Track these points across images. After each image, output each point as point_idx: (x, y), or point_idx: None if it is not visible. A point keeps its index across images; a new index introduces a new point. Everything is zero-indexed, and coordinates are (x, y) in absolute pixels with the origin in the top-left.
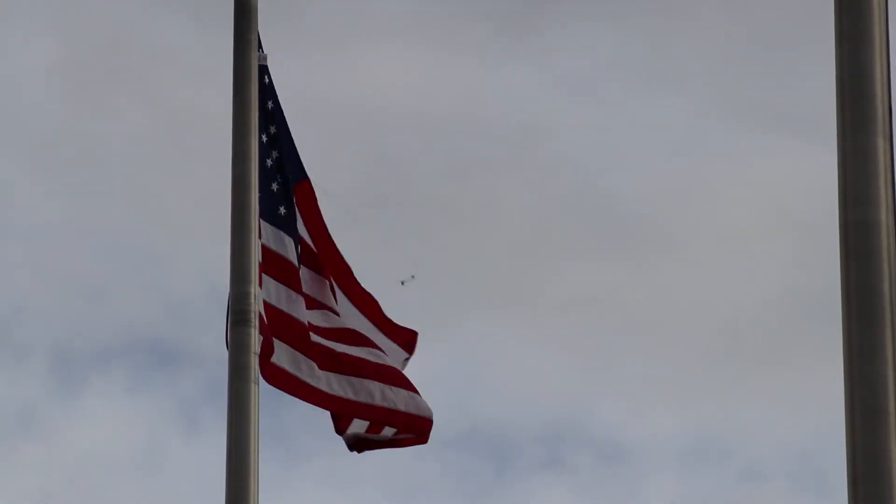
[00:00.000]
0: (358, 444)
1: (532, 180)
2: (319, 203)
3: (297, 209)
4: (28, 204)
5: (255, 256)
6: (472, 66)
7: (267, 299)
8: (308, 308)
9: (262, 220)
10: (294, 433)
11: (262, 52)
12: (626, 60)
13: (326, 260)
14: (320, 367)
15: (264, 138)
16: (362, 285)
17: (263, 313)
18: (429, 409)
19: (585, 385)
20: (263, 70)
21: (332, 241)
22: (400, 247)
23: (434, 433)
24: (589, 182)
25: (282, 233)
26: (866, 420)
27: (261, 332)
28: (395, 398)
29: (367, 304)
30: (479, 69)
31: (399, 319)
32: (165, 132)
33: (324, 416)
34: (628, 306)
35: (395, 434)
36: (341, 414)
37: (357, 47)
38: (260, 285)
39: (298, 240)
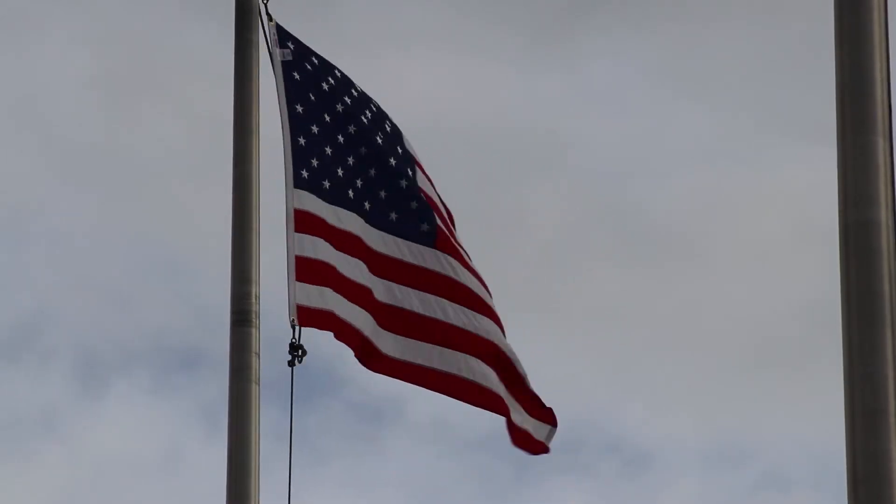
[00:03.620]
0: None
1: (561, 189)
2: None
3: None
4: (58, 211)
5: (256, 256)
6: (503, 74)
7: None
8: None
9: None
10: (316, 435)
11: (289, 47)
12: (657, 69)
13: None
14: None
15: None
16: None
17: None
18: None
19: (608, 390)
20: (288, 66)
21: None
22: None
23: (456, 435)
24: (618, 191)
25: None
26: (866, 420)
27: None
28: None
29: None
30: (509, 78)
31: None
32: (196, 141)
33: (344, 418)
34: (655, 314)
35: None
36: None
37: (388, 55)
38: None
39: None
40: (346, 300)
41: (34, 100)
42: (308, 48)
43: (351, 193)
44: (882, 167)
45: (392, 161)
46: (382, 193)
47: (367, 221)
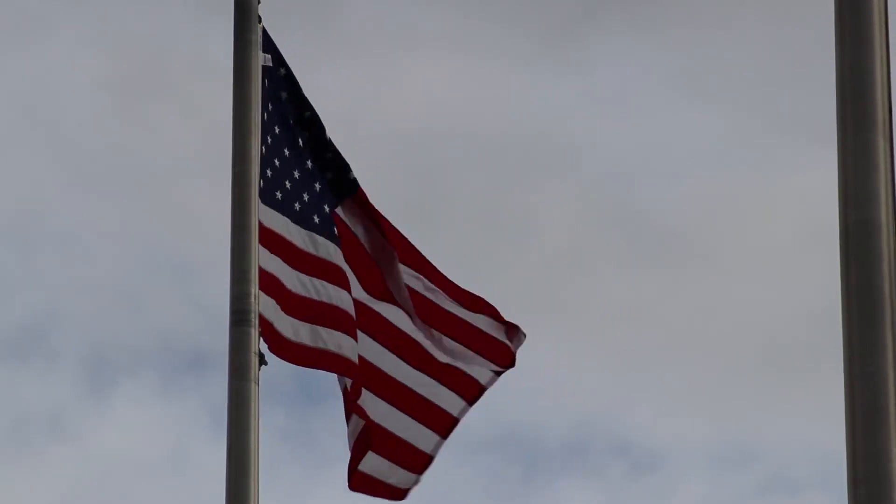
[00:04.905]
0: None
1: (571, 192)
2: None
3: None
4: (67, 212)
5: (255, 256)
6: (514, 77)
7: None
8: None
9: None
10: (321, 436)
11: (268, 53)
12: (667, 73)
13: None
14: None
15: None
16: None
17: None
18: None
19: (616, 392)
20: (267, 71)
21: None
22: (440, 259)
23: (464, 437)
24: (628, 194)
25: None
26: (866, 420)
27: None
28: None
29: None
30: (520, 81)
31: None
32: (205, 143)
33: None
34: (663, 317)
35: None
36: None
37: (397, 58)
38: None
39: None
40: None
41: (43, 102)
42: (280, 58)
43: (297, 205)
44: (882, 167)
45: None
46: (306, 194)
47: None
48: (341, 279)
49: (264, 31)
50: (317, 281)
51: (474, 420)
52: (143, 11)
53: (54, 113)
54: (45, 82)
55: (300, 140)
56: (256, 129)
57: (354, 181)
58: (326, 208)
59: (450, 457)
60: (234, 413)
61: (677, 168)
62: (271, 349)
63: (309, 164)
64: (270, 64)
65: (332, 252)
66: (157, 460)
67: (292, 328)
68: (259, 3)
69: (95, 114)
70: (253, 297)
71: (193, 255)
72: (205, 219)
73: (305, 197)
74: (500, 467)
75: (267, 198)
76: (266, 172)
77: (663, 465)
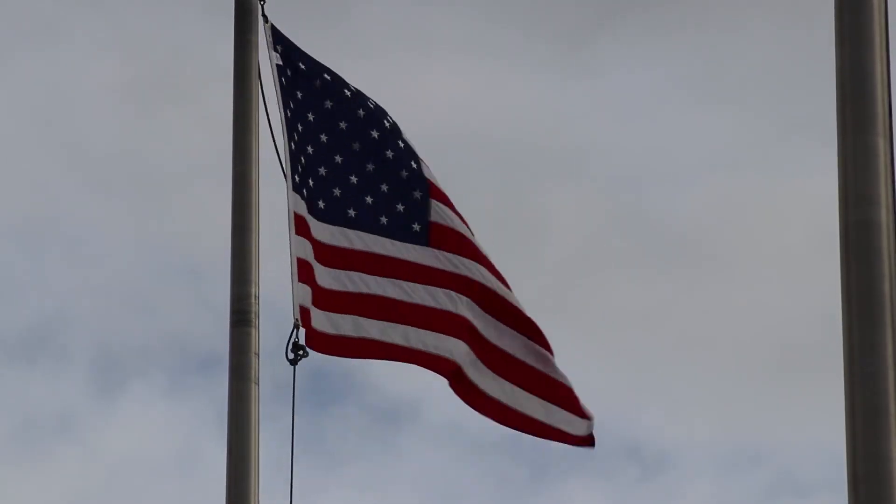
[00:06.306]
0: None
1: (582, 196)
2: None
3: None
4: (78, 215)
5: (256, 256)
6: (525, 81)
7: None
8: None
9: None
10: (331, 437)
11: (279, 50)
12: (679, 78)
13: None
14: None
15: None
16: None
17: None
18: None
19: (625, 393)
20: (280, 69)
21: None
22: None
23: (472, 437)
24: (639, 198)
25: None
26: (866, 420)
27: None
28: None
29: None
30: (532, 86)
31: None
32: (218, 147)
33: (360, 420)
34: (673, 320)
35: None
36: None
37: (408, 61)
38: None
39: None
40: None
41: (57, 106)
42: (298, 50)
43: (331, 199)
44: (882, 167)
45: (390, 154)
46: (368, 197)
47: (347, 227)
48: (397, 270)
49: (273, 28)
50: (354, 274)
51: (482, 421)
52: (158, 15)
53: (67, 116)
54: (59, 86)
55: (323, 136)
56: (257, 128)
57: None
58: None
59: (458, 457)
60: (234, 413)
61: (688, 172)
62: (310, 344)
63: (370, 166)
64: (281, 62)
65: (387, 247)
66: (165, 461)
67: (329, 321)
68: (263, 3)
69: (108, 117)
70: (253, 297)
71: (203, 258)
72: (215, 222)
73: (369, 199)
74: (508, 468)
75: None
76: (298, 167)
77: (672, 466)
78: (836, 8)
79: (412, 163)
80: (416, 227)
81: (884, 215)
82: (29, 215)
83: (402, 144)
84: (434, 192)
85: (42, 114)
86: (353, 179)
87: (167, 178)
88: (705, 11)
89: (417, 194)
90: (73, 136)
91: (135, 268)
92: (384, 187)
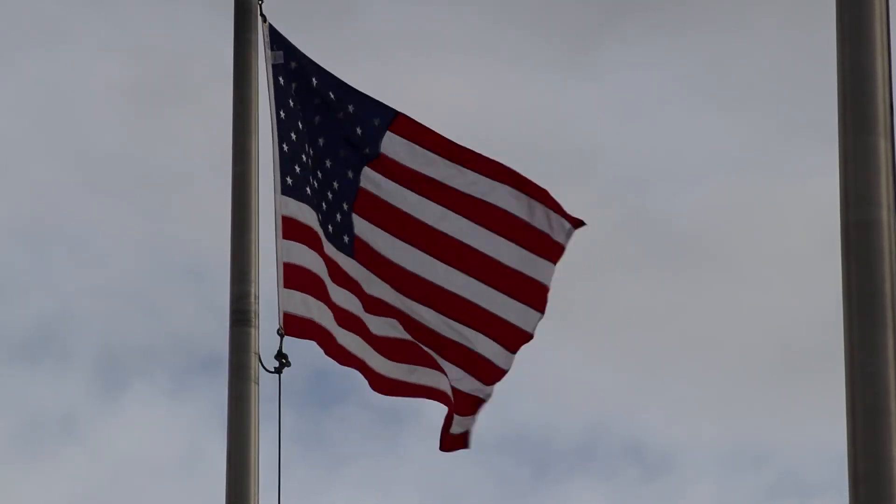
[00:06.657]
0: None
1: (588, 197)
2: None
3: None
4: (81, 216)
5: (255, 256)
6: (532, 83)
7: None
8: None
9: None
10: (334, 437)
11: (277, 49)
12: (684, 79)
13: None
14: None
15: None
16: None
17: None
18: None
19: (628, 394)
20: (279, 69)
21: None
22: None
23: (476, 438)
24: (644, 199)
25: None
26: (867, 420)
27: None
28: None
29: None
30: (537, 87)
31: None
32: (222, 148)
33: (362, 420)
34: (678, 321)
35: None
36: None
37: (414, 63)
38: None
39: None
40: (326, 308)
41: (61, 107)
42: (296, 51)
43: (324, 201)
44: (883, 167)
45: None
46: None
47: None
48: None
49: (271, 27)
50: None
51: (485, 421)
52: (162, 17)
53: (70, 117)
54: (61, 87)
55: (320, 140)
56: (257, 128)
57: (381, 126)
58: (345, 206)
59: (460, 458)
60: (234, 413)
61: (693, 173)
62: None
63: (328, 162)
64: (282, 61)
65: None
66: (168, 461)
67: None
68: (261, 2)
69: (111, 118)
70: (253, 297)
71: (206, 258)
72: (218, 222)
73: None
74: (510, 468)
75: (296, 194)
76: (294, 169)
77: (675, 467)
78: (837, 8)
79: (349, 171)
80: (346, 238)
81: (885, 215)
82: (32, 216)
83: (367, 151)
84: (358, 204)
85: (45, 114)
86: (336, 185)
87: (169, 178)
88: (709, 13)
89: (346, 206)
90: (75, 137)
91: (138, 268)
92: (345, 205)
